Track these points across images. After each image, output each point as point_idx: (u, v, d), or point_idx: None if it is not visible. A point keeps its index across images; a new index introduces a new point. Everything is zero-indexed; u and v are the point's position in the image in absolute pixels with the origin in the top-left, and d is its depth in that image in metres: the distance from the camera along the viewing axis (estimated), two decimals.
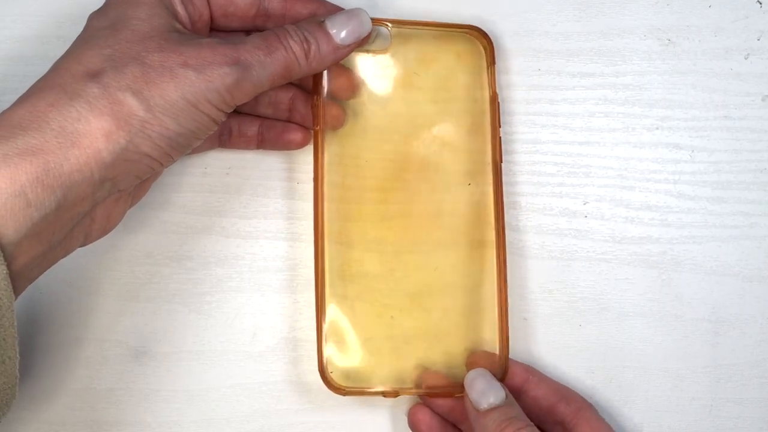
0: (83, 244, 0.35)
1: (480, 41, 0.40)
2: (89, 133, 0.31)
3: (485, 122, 0.40)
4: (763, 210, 0.42)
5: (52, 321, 0.40)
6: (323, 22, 0.36)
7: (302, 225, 0.41)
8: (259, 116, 0.40)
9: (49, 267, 0.33)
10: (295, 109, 0.40)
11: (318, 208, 0.38)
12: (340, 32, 0.36)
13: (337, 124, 0.39)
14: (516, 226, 0.41)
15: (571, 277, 0.41)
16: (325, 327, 0.38)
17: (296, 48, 0.34)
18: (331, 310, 0.38)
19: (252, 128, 0.40)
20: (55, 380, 0.40)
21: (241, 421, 0.40)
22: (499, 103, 0.39)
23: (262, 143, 0.40)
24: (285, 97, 0.39)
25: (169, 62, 0.32)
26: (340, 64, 0.39)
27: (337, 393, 0.37)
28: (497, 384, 0.37)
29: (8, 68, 0.41)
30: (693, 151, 0.42)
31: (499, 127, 0.39)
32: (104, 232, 0.35)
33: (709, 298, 0.41)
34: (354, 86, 0.39)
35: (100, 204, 0.33)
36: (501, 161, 0.39)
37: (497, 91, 0.40)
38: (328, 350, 0.38)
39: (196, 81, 0.32)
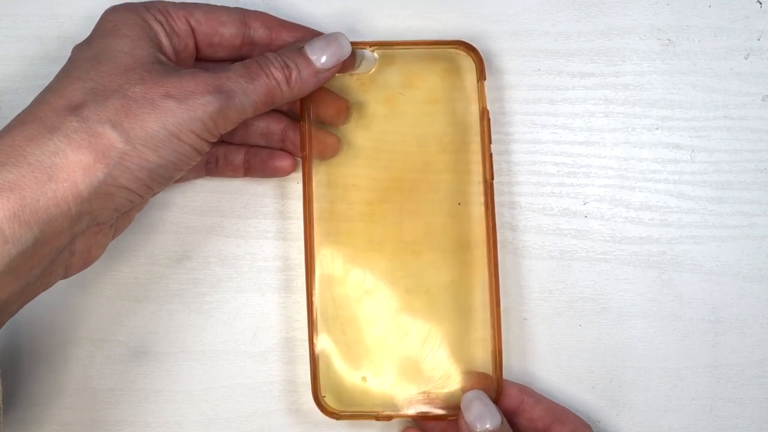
0: (64, 277, 0.34)
1: (469, 56, 0.39)
2: (66, 167, 0.30)
3: (475, 139, 0.39)
4: (763, 210, 0.41)
5: (52, 321, 0.40)
6: (302, 48, 0.36)
7: (302, 225, 0.41)
8: (247, 145, 0.40)
9: (29, 301, 0.33)
10: (287, 139, 0.40)
11: (308, 233, 0.38)
12: (320, 57, 0.36)
13: (331, 154, 0.39)
14: (516, 226, 0.41)
15: (571, 277, 0.41)
16: (318, 352, 0.38)
17: (278, 74, 0.35)
18: (324, 335, 0.38)
19: (238, 156, 0.40)
20: (55, 380, 0.40)
21: (241, 421, 0.40)
22: (489, 118, 0.39)
23: (248, 171, 0.40)
24: (277, 128, 0.39)
25: (151, 93, 0.32)
26: (329, 90, 0.39)
27: (330, 417, 0.38)
28: (494, 408, 0.37)
29: (8, 68, 0.41)
30: (693, 151, 0.42)
31: (490, 143, 0.39)
32: (85, 264, 0.35)
33: (709, 298, 0.41)
34: (344, 112, 0.39)
35: (79, 237, 0.33)
36: (492, 179, 0.39)
37: (487, 106, 0.39)
38: (322, 375, 0.38)
39: (178, 111, 0.32)
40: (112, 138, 0.31)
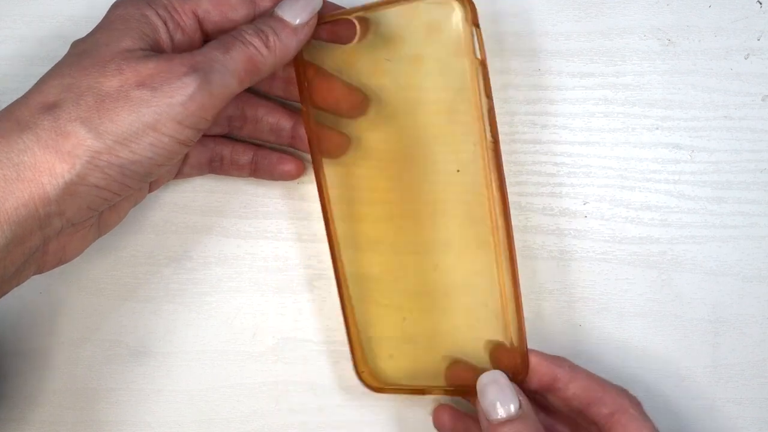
0: (38, 273, 0.34)
1: (460, 3, 0.35)
2: (33, 166, 0.30)
3: (472, 95, 0.35)
4: (763, 210, 0.41)
5: (52, 321, 0.40)
6: (273, 11, 0.35)
7: (302, 225, 0.41)
8: (254, 144, 0.40)
9: (2, 296, 0.32)
10: (297, 136, 0.39)
11: (327, 213, 0.38)
12: (293, 14, 0.34)
13: (339, 152, 0.38)
14: (516, 226, 0.41)
15: (571, 277, 0.41)
16: (354, 329, 0.38)
17: (254, 40, 0.33)
18: (359, 312, 0.38)
19: (245, 156, 0.39)
20: (55, 380, 0.40)
21: (241, 421, 0.40)
22: (487, 69, 0.35)
23: (255, 171, 0.40)
24: (287, 124, 0.39)
25: (126, 85, 0.31)
26: (344, 82, 0.37)
27: (374, 391, 0.38)
28: (511, 392, 0.35)
29: (8, 68, 0.41)
30: (693, 151, 0.42)
31: (489, 98, 0.35)
32: (60, 262, 0.34)
33: (709, 298, 0.41)
34: (360, 104, 0.37)
35: (53, 239, 0.32)
36: (497, 137, 0.36)
37: (485, 57, 0.35)
38: (360, 351, 0.38)
39: (153, 101, 0.31)
40: (81, 136, 0.30)
